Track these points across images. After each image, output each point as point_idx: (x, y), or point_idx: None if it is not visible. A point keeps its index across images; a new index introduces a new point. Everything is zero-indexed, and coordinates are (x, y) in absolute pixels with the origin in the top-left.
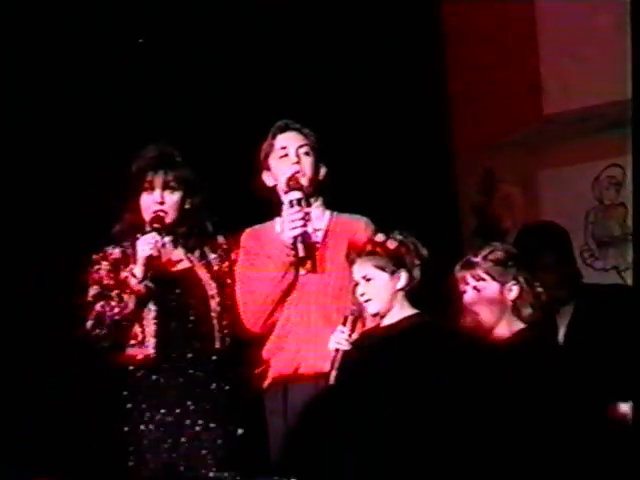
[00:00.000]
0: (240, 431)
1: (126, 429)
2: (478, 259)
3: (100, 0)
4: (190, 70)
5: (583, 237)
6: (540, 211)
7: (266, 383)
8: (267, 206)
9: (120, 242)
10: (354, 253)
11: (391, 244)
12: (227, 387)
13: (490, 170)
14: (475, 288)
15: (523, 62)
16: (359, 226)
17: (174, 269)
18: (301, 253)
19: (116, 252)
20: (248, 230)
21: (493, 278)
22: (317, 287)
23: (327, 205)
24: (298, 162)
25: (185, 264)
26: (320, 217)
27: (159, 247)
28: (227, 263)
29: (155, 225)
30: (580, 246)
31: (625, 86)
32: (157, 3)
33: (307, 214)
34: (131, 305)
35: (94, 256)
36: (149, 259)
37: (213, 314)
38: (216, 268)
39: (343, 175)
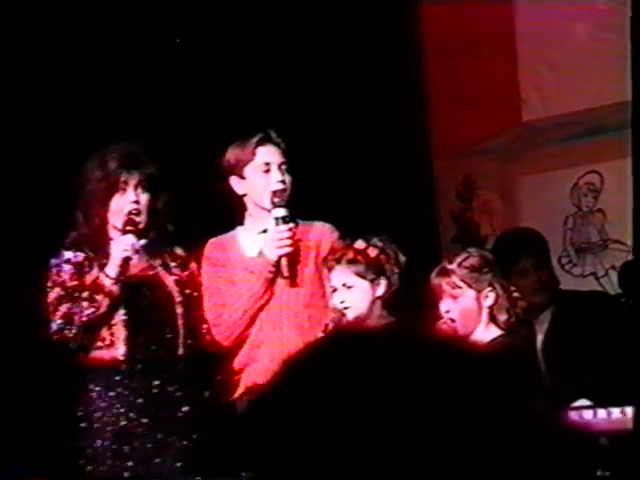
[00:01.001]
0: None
1: (86, 433)
2: (453, 266)
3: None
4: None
5: (562, 243)
6: (519, 217)
7: (239, 392)
8: (225, 213)
9: (81, 246)
10: (332, 259)
11: (372, 252)
12: (191, 394)
13: (469, 177)
14: (451, 296)
15: (501, 69)
16: (324, 232)
17: (141, 274)
18: (285, 273)
19: (79, 255)
20: (212, 241)
21: (469, 285)
22: (288, 296)
23: (298, 212)
24: (283, 180)
25: (150, 270)
26: None
27: (136, 249)
28: (187, 272)
29: (129, 228)
30: (558, 252)
31: (603, 93)
32: (125, 9)
33: (291, 230)
34: (104, 306)
35: (53, 260)
36: (126, 261)
37: (180, 321)
38: (178, 276)
39: (322, 182)
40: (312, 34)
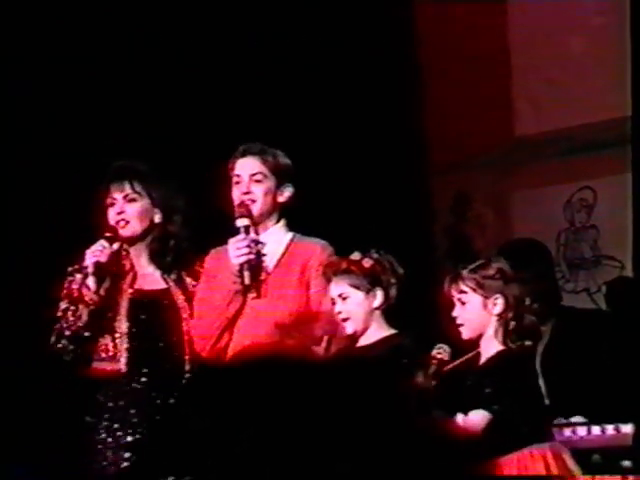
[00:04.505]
0: None
1: (89, 444)
2: (464, 272)
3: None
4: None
5: (554, 259)
6: (512, 232)
7: None
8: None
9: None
10: (330, 271)
11: (366, 262)
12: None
13: (462, 191)
14: (459, 301)
15: (495, 84)
16: (314, 250)
17: (149, 287)
18: (247, 281)
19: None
20: (212, 251)
21: (474, 291)
22: (266, 312)
23: (291, 227)
24: (248, 192)
25: (162, 284)
26: (279, 240)
27: (108, 254)
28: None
29: (107, 234)
30: None
31: (597, 109)
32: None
33: (254, 242)
34: (84, 317)
35: (69, 269)
36: (97, 267)
37: (185, 337)
38: (191, 293)
39: (315, 196)
40: (308, 49)
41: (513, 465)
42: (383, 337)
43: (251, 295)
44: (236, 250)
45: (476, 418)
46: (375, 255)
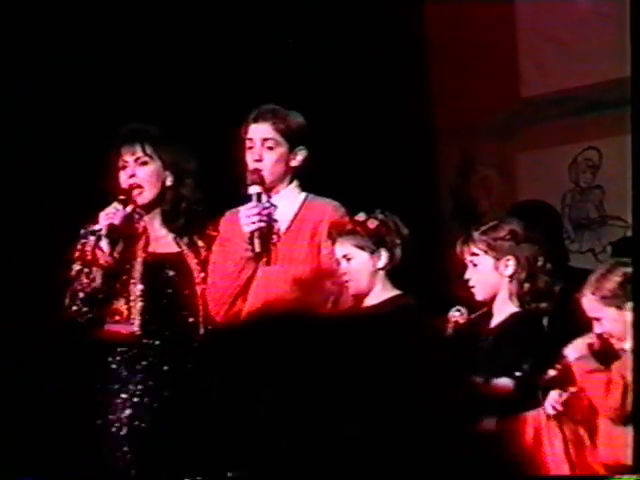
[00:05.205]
0: None
1: (103, 409)
2: (475, 234)
3: None
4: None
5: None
6: (517, 193)
7: None
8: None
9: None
10: (335, 232)
11: (371, 223)
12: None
13: (467, 153)
14: (472, 263)
15: (501, 45)
16: (326, 211)
17: (162, 250)
18: (257, 249)
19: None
20: (227, 213)
21: (485, 252)
22: (277, 276)
23: (304, 187)
24: (260, 159)
25: (174, 248)
26: (293, 201)
27: (121, 216)
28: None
29: (120, 197)
30: None
31: (602, 69)
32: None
33: (265, 209)
34: (98, 279)
35: (82, 230)
36: (111, 229)
37: (199, 300)
38: (204, 256)
39: (322, 157)
40: (323, 17)
41: (529, 425)
42: (387, 298)
43: (262, 261)
44: (247, 218)
45: (502, 387)
46: (380, 216)
